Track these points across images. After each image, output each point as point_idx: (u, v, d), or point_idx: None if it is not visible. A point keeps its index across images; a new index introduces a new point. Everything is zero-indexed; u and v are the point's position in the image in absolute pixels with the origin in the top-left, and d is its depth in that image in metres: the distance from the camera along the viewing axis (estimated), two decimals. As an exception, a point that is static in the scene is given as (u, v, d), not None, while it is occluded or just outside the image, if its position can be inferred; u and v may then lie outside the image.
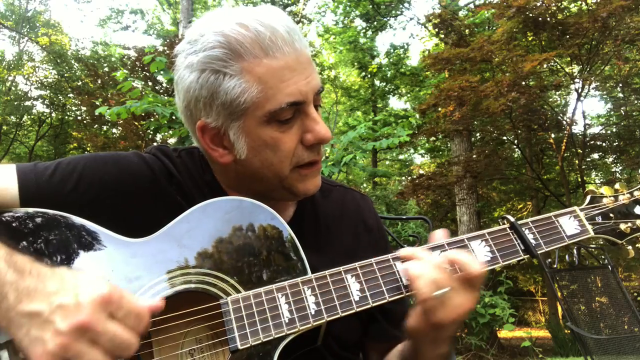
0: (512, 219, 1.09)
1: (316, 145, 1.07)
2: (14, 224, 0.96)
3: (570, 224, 1.13)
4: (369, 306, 0.98)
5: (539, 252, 1.04)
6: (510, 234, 1.09)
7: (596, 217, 1.15)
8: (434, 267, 0.97)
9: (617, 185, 1.19)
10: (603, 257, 4.93)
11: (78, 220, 0.98)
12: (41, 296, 0.77)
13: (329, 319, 0.95)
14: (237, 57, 0.99)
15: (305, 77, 1.02)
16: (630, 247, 1.14)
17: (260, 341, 0.92)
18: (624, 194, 1.18)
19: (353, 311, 0.97)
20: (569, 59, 10.05)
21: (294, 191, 1.11)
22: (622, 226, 1.15)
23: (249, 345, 0.91)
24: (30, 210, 0.98)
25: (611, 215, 1.16)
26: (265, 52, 0.99)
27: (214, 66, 1.01)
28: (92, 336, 0.74)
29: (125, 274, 0.95)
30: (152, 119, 7.21)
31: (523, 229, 1.08)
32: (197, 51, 1.02)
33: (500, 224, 1.11)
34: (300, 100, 1.02)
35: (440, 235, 1.08)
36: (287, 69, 1.00)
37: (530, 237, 1.08)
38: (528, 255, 1.07)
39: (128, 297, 0.79)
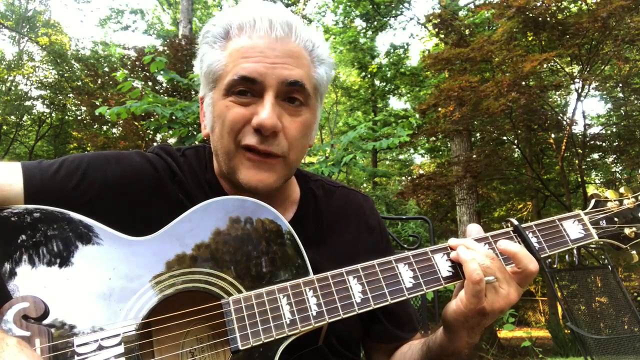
0: (515, 222, 1.08)
1: (260, 132, 1.05)
2: (16, 223, 0.96)
3: (574, 227, 1.12)
4: (370, 308, 0.98)
5: (542, 256, 1.04)
6: (514, 237, 1.09)
7: (600, 221, 1.14)
8: (484, 255, 0.99)
9: (621, 189, 1.18)
10: (603, 257, 4.92)
11: (80, 217, 0.98)
12: None
13: (330, 320, 0.95)
14: (226, 34, 1.09)
15: (271, 61, 1.05)
16: (634, 252, 1.13)
17: (261, 342, 0.92)
18: (628, 198, 1.17)
19: (355, 313, 0.97)
20: (569, 59, 10.04)
21: (237, 177, 1.09)
22: (627, 230, 1.14)
23: (250, 345, 0.91)
24: (32, 207, 0.98)
25: (615, 219, 1.15)
26: (243, 32, 1.07)
27: (209, 40, 1.11)
28: None
29: (126, 272, 0.95)
30: (152, 119, 7.20)
31: (527, 232, 1.08)
32: (207, 30, 1.12)
33: (504, 226, 1.10)
34: (253, 77, 1.04)
35: (476, 229, 1.09)
36: (254, 48, 1.05)
37: (533, 240, 1.08)
38: None
39: None
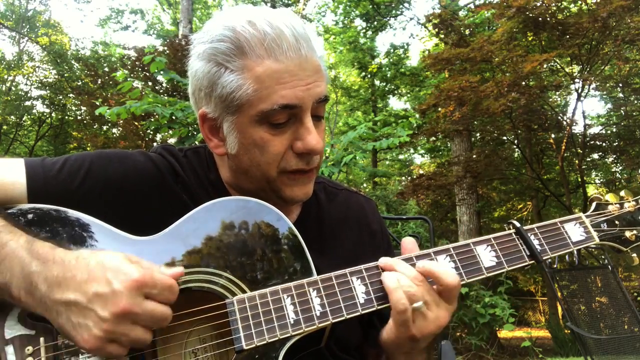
0: (517, 224, 1.09)
1: (306, 155, 1.07)
2: (20, 222, 0.96)
3: (575, 230, 1.13)
4: (374, 309, 0.98)
5: (544, 258, 1.05)
6: (516, 239, 1.09)
7: (601, 224, 1.15)
8: (412, 278, 0.97)
9: (622, 193, 1.20)
10: (603, 257, 4.92)
11: (84, 216, 0.99)
12: (73, 285, 0.83)
13: (334, 320, 0.96)
14: (240, 54, 1.01)
15: (305, 83, 1.02)
16: (635, 255, 1.14)
17: (265, 342, 0.92)
18: (629, 202, 1.18)
19: (358, 313, 0.97)
20: (569, 59, 10.04)
21: (281, 195, 1.11)
22: (628, 233, 1.15)
23: (254, 345, 0.92)
24: (38, 206, 0.98)
25: (616, 222, 1.16)
26: (269, 53, 1.00)
27: (218, 59, 1.03)
28: (132, 318, 0.82)
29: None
30: (152, 119, 7.20)
31: (529, 234, 1.08)
32: (206, 41, 1.05)
33: (506, 228, 1.11)
34: (294, 104, 1.01)
35: (410, 243, 1.06)
36: (287, 72, 1.00)
37: (535, 242, 1.08)
38: (533, 261, 1.07)
39: (158, 276, 0.85)
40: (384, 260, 1.02)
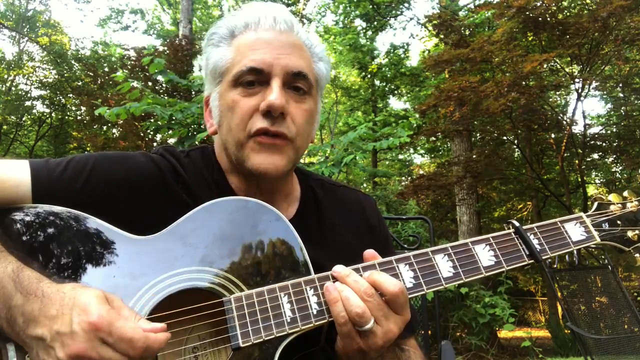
0: (517, 224, 1.08)
1: (269, 114, 1.08)
2: (24, 222, 0.97)
3: (576, 230, 1.13)
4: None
5: (543, 258, 1.04)
6: (515, 238, 1.09)
7: (603, 224, 1.15)
8: (361, 294, 0.94)
9: (625, 193, 1.19)
10: (603, 257, 4.91)
11: (86, 216, 1.00)
12: (44, 321, 0.81)
13: (330, 319, 0.96)
14: (231, 34, 1.15)
15: (277, 52, 1.10)
16: (637, 255, 1.13)
17: (261, 339, 0.93)
18: (632, 202, 1.17)
19: None
20: (569, 59, 10.04)
21: (247, 165, 1.10)
22: (630, 233, 1.14)
23: (250, 343, 0.92)
24: (39, 206, 0.99)
25: (618, 222, 1.16)
26: (248, 27, 1.13)
27: (214, 41, 1.16)
28: None
29: (130, 270, 0.96)
30: (152, 120, 7.19)
31: (528, 234, 1.08)
32: (213, 32, 1.18)
33: (506, 228, 1.10)
34: (261, 68, 1.09)
35: (370, 255, 1.05)
36: (261, 41, 1.11)
37: (535, 242, 1.08)
38: (533, 261, 1.07)
39: (118, 325, 0.79)
40: (338, 268, 0.99)
